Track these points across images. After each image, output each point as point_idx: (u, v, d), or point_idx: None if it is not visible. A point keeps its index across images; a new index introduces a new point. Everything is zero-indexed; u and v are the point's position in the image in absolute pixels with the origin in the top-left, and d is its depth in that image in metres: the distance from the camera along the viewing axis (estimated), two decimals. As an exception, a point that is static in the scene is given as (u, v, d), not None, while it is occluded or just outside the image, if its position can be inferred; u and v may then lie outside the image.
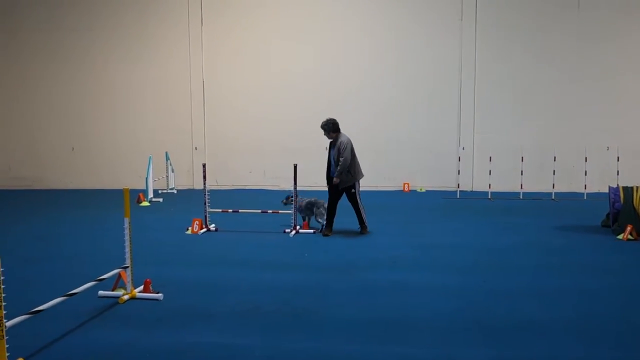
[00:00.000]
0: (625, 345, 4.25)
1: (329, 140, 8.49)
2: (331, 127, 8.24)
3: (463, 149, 13.76)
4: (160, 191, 12.94)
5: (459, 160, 13.22)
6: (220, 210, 9.15)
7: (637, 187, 8.49)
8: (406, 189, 13.85)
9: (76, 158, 14.74)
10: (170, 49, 14.33)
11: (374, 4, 13.96)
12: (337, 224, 8.49)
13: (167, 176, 13.40)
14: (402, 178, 13.99)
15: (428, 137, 13.99)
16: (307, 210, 8.76)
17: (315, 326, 4.67)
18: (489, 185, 12.54)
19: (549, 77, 13.54)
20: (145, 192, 11.73)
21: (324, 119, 8.35)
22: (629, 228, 7.92)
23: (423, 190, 13.78)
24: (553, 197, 12.23)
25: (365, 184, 13.67)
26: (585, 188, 12.30)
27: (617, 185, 8.86)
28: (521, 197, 12.24)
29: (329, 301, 5.32)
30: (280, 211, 9.03)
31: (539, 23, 13.48)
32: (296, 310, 5.04)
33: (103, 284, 5.14)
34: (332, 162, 8.32)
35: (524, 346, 4.22)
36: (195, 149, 14.46)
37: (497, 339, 4.37)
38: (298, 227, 8.60)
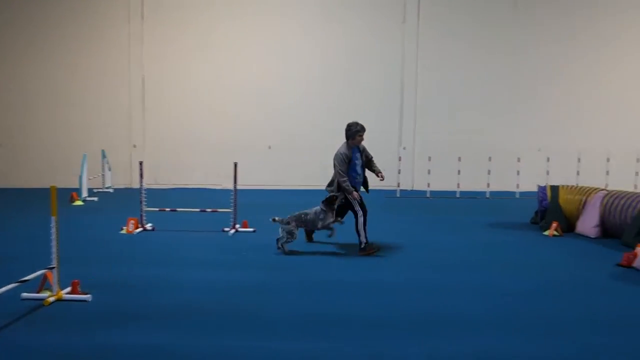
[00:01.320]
0: (541, 338, 4.44)
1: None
2: None
3: (404, 148, 14.05)
4: (95, 190, 12.53)
5: (399, 160, 13.48)
6: (157, 209, 8.96)
7: (563, 186, 8.94)
8: (348, 188, 13.98)
9: (4, 155, 14.06)
10: (109, 44, 13.91)
11: (317, 2, 14.03)
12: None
13: (103, 174, 12.99)
14: (344, 177, 14.12)
15: (370, 137, 14.09)
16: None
17: (253, 324, 4.65)
18: (428, 184, 12.86)
19: (487, 79, 14.01)
20: (79, 190, 11.33)
21: (358, 123, 7.61)
22: (554, 225, 8.31)
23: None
24: (488, 196, 12.66)
25: (309, 183, 13.78)
26: (517, 187, 12.79)
27: (545, 184, 9.28)
28: (458, 196, 12.62)
29: (266, 300, 5.31)
30: (219, 210, 8.93)
31: (478, 26, 13.93)
32: (234, 309, 5.00)
33: (27, 285, 4.94)
34: (361, 169, 7.59)
35: (453, 341, 4.35)
36: (134, 146, 14.10)
37: (427, 334, 4.48)
38: (237, 225, 8.53)
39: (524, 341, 4.33)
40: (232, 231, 8.39)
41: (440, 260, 6.87)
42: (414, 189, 13.98)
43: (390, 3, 13.93)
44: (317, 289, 5.64)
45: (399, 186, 13.26)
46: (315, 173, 13.79)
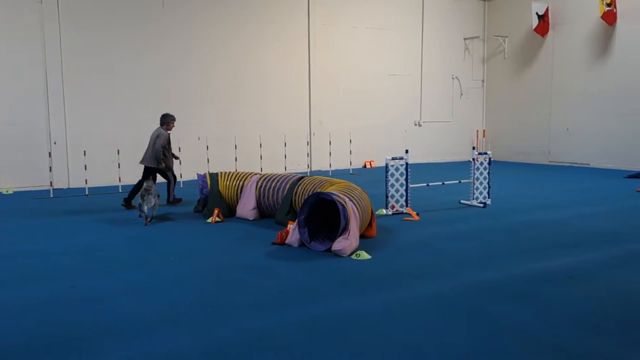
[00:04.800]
0: (203, 329, 4.44)
1: None
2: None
3: (55, 143, 12.64)
4: None
5: (50, 156, 12.04)
6: None
7: (221, 173, 9.30)
8: (-13, 193, 11.85)
9: None
10: None
11: None
12: None
13: None
14: (-19, 180, 11.93)
15: (13, 131, 12.30)
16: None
17: None
18: (86, 180, 11.84)
19: (138, 71, 13.64)
20: None
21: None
22: (216, 211, 8.57)
23: (10, 192, 12.02)
24: (150, 188, 12.36)
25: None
26: (181, 177, 12.87)
27: (205, 172, 9.50)
28: (120, 191, 11.96)
29: None
30: None
31: (125, 13, 13.41)
32: None
33: None
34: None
35: (118, 349, 3.95)
36: None
37: (86, 349, 3.96)
38: None
39: (187, 335, 4.22)
40: None
41: (100, 262, 6.28)
42: (71, 186, 12.74)
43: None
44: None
45: (51, 185, 11.85)
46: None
